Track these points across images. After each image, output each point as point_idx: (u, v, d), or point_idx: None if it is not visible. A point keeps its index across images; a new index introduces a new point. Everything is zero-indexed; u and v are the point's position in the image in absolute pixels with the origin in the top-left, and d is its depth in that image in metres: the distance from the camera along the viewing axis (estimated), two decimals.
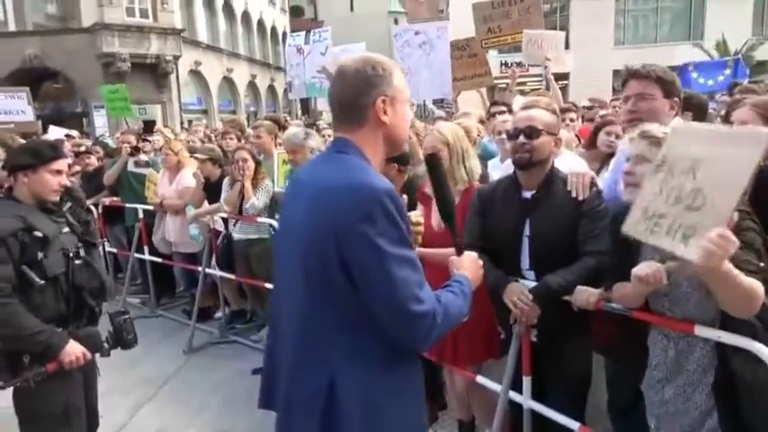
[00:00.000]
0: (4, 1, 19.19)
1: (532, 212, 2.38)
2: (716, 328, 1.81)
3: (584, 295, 2.17)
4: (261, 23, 31.46)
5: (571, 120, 4.77)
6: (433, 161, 1.77)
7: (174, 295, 6.31)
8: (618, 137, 3.32)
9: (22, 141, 4.78)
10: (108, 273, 5.67)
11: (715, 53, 20.30)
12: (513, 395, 2.55)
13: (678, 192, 1.57)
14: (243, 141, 5.91)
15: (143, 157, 6.12)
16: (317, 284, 1.44)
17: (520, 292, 2.33)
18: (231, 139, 6.07)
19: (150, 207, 5.61)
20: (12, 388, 2.38)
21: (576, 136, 4.39)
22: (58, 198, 2.53)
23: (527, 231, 2.38)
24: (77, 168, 6.59)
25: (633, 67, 2.35)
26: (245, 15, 29.54)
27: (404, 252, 1.39)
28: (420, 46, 6.25)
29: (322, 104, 10.67)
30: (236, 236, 4.82)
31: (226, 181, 4.89)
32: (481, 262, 1.74)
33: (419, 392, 1.61)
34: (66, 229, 2.52)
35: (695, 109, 3.51)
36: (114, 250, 6.47)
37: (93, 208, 5.62)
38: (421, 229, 1.84)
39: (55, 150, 2.55)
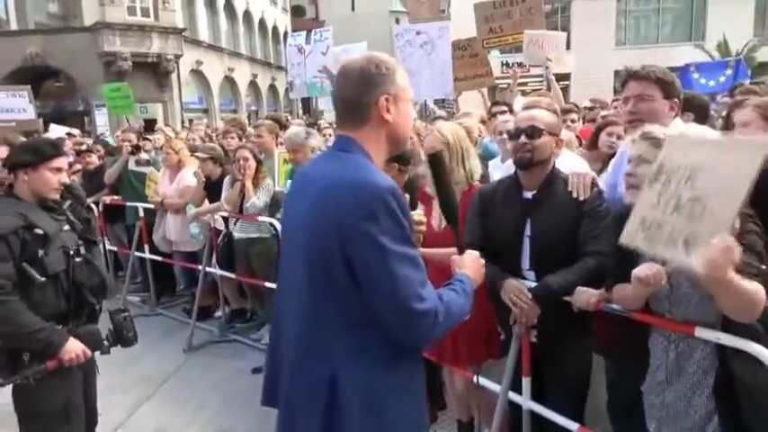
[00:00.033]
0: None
1: (533, 213, 2.38)
2: (717, 330, 1.80)
3: (585, 296, 2.17)
4: (262, 23, 31.46)
5: (572, 120, 4.77)
6: (435, 160, 1.77)
7: (175, 294, 6.31)
8: (619, 138, 3.32)
9: (24, 140, 4.78)
10: (108, 271, 5.66)
11: (716, 54, 20.28)
12: (513, 396, 2.55)
13: (676, 200, 1.56)
14: (244, 140, 5.91)
15: (144, 156, 6.13)
16: (320, 282, 1.44)
17: (518, 289, 2.32)
18: (232, 138, 6.07)
19: (151, 206, 5.61)
20: (11, 385, 2.38)
21: (577, 137, 4.39)
22: (58, 196, 2.53)
23: (528, 231, 2.37)
24: (78, 167, 6.61)
25: (633, 68, 2.35)
26: (247, 15, 29.55)
27: (406, 250, 1.40)
28: (421, 46, 6.25)
29: (323, 104, 10.69)
30: (237, 235, 4.83)
31: (226, 180, 4.90)
32: (483, 261, 1.74)
33: (421, 391, 1.61)
34: (66, 227, 2.52)
35: (697, 110, 3.50)
36: (115, 248, 6.47)
37: (93, 206, 5.63)
38: (423, 228, 1.85)
39: (55, 148, 2.56)
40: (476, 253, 1.75)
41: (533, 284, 2.33)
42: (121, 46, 19.64)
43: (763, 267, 1.68)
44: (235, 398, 3.98)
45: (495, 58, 12.33)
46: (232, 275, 4.96)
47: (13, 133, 6.48)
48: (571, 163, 2.72)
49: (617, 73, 19.98)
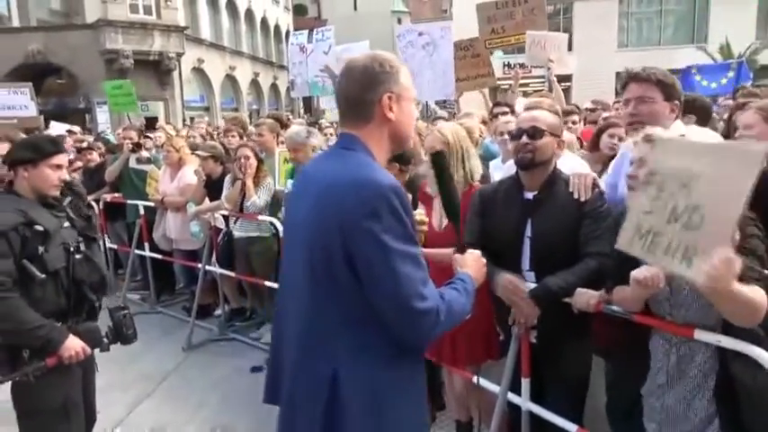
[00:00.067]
0: None
1: (534, 213, 2.37)
2: (717, 333, 1.80)
3: (585, 297, 2.16)
4: (264, 21, 31.47)
5: (573, 122, 4.77)
6: (438, 159, 1.78)
7: (174, 292, 6.31)
8: (621, 139, 3.31)
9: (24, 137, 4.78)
10: (108, 269, 5.66)
11: (718, 57, 20.26)
12: (512, 397, 2.54)
13: (672, 209, 1.56)
14: (245, 139, 5.91)
15: (145, 154, 6.13)
16: (322, 279, 1.44)
17: (512, 284, 2.30)
18: (233, 136, 6.07)
19: (151, 204, 5.61)
20: (10, 382, 2.38)
21: (578, 138, 4.38)
22: (58, 192, 2.53)
23: (528, 232, 2.37)
24: (79, 164, 6.61)
25: (633, 70, 2.34)
26: (249, 13, 29.56)
27: (408, 248, 1.40)
28: (423, 47, 6.25)
29: (324, 103, 10.69)
30: (237, 233, 4.83)
31: (227, 178, 4.90)
32: (484, 260, 1.75)
33: (422, 391, 1.61)
34: (66, 224, 2.52)
35: (698, 112, 3.50)
36: (115, 246, 6.47)
37: (93, 204, 5.63)
38: (425, 228, 1.85)
39: (55, 145, 2.55)
40: (478, 252, 1.76)
41: (533, 285, 2.33)
42: (123, 43, 19.65)
43: (766, 272, 1.67)
44: (234, 396, 3.98)
45: (497, 59, 12.33)
46: (232, 274, 4.96)
47: (14, 130, 6.48)
48: (572, 164, 2.72)
49: (618, 75, 19.95)
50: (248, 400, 3.84)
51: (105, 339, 2.54)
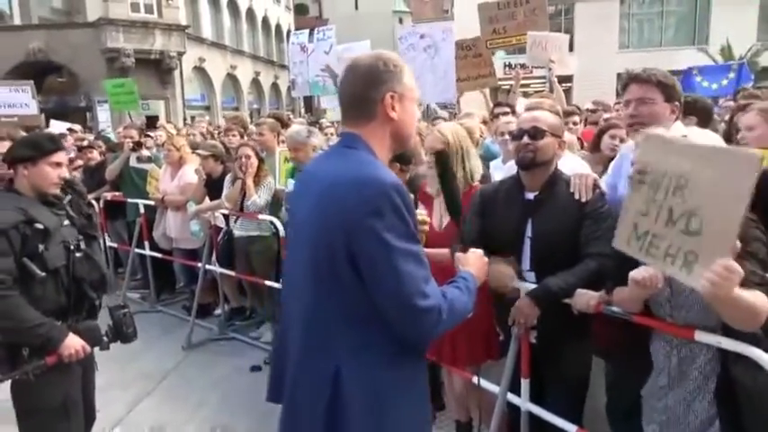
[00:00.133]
0: None
1: (535, 213, 2.37)
2: (718, 334, 1.79)
3: (585, 298, 2.16)
4: (265, 21, 31.47)
5: (574, 123, 4.77)
6: (441, 158, 1.78)
7: (174, 291, 6.31)
8: (622, 140, 3.31)
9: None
10: (108, 267, 5.66)
11: (719, 58, 20.26)
12: (512, 397, 2.54)
13: (668, 211, 1.55)
14: (245, 138, 5.91)
15: (145, 153, 6.12)
16: (325, 277, 1.45)
17: (502, 274, 2.27)
18: (234, 135, 6.08)
19: (151, 202, 5.61)
20: (10, 381, 2.38)
21: (579, 139, 4.38)
22: (58, 190, 2.53)
23: (529, 232, 2.37)
24: (80, 163, 6.61)
25: (634, 71, 2.34)
26: (250, 12, 29.56)
27: (411, 247, 1.40)
28: (425, 50, 6.27)
29: (325, 103, 10.68)
30: (237, 233, 4.82)
31: (228, 178, 4.89)
32: (486, 259, 1.75)
33: (424, 390, 1.61)
34: (66, 222, 2.52)
35: (700, 113, 3.50)
36: (115, 245, 6.47)
37: (94, 202, 5.63)
38: (426, 228, 1.85)
39: (54, 143, 2.55)
40: (480, 251, 1.77)
41: (533, 286, 2.33)
42: (124, 42, 19.66)
43: (767, 276, 1.66)
44: (234, 395, 3.98)
45: (499, 60, 12.32)
46: (232, 273, 4.96)
47: (15, 128, 6.49)
48: (572, 165, 2.72)
49: (619, 76, 19.94)
50: (248, 399, 3.84)
51: (105, 338, 2.54)
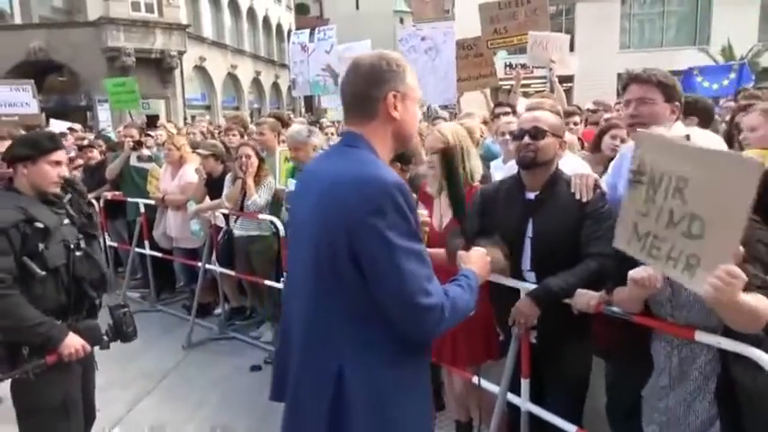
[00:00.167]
0: None
1: (536, 213, 2.37)
2: (719, 334, 1.79)
3: (585, 298, 2.16)
4: (266, 20, 31.47)
5: (575, 123, 4.77)
6: (447, 155, 1.78)
7: (174, 290, 6.31)
8: (623, 141, 3.31)
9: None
10: (108, 267, 5.67)
11: (720, 58, 20.25)
12: (512, 397, 2.54)
13: (669, 213, 1.55)
14: (246, 138, 5.91)
15: (145, 152, 6.12)
16: (326, 276, 1.45)
17: (492, 257, 2.26)
18: (234, 135, 6.07)
19: (152, 202, 5.61)
20: (10, 380, 2.38)
21: (579, 139, 4.38)
22: (58, 189, 2.53)
23: (529, 232, 2.37)
24: (80, 162, 6.61)
25: (634, 71, 2.34)
26: (251, 12, 29.56)
27: (413, 245, 1.40)
28: (426, 52, 6.27)
29: (326, 102, 10.68)
30: (237, 232, 4.82)
31: (228, 177, 4.89)
32: (489, 258, 1.75)
33: (427, 389, 1.61)
34: (66, 221, 2.52)
35: (701, 113, 3.49)
36: (115, 244, 6.47)
37: (94, 201, 5.63)
38: (427, 228, 1.86)
39: (53, 141, 2.55)
40: (482, 249, 1.77)
41: (533, 286, 2.33)
42: (125, 41, 19.67)
43: None
44: (234, 395, 3.98)
45: (500, 60, 12.31)
46: (232, 273, 4.95)
47: (16, 127, 6.50)
48: (573, 165, 2.72)
49: (620, 76, 19.92)
50: (248, 398, 3.84)
51: (105, 337, 2.54)
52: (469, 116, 5.00)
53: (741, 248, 1.49)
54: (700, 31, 23.98)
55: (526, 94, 7.02)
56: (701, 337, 1.81)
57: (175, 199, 5.38)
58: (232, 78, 27.26)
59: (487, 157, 3.84)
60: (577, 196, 2.33)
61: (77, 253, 2.47)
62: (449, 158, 1.77)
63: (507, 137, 3.27)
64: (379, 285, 1.40)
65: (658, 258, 1.59)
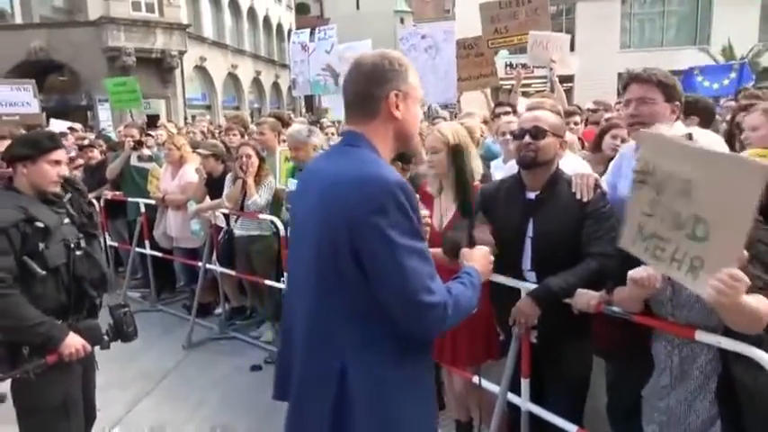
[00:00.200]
0: None
1: (536, 213, 2.37)
2: (719, 334, 1.79)
3: (585, 298, 2.16)
4: (267, 20, 31.47)
5: (575, 123, 4.76)
6: (457, 152, 1.78)
7: (175, 290, 6.31)
8: (624, 140, 3.31)
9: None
10: (109, 266, 5.67)
11: (721, 58, 20.23)
12: (512, 397, 2.54)
13: (674, 215, 1.54)
14: (246, 138, 5.91)
15: (146, 152, 6.12)
16: (328, 275, 1.45)
17: (480, 239, 2.20)
18: (234, 135, 6.07)
19: (152, 201, 5.61)
20: (10, 380, 2.38)
21: (580, 139, 4.38)
22: (58, 188, 2.53)
23: (530, 232, 2.37)
24: (80, 162, 6.61)
25: (634, 71, 2.34)
26: (251, 12, 29.56)
27: (415, 244, 1.40)
28: (426, 50, 6.26)
29: (326, 102, 10.67)
30: (238, 232, 4.82)
31: (228, 177, 4.89)
32: (491, 256, 1.75)
33: (430, 390, 1.61)
34: (66, 220, 2.52)
35: (701, 113, 3.49)
36: (115, 244, 6.47)
37: (94, 201, 5.63)
38: (427, 229, 1.85)
39: (53, 141, 2.54)
40: (485, 247, 1.76)
41: (533, 286, 2.33)
42: (126, 41, 19.67)
43: None
44: (234, 395, 3.98)
45: (501, 59, 12.30)
46: (232, 273, 4.95)
47: (17, 127, 6.50)
48: (573, 165, 2.72)
49: (621, 75, 19.91)
50: (248, 398, 3.84)
51: (106, 337, 2.54)
52: (470, 116, 5.00)
53: (745, 253, 1.49)
54: (700, 31, 23.97)
55: (526, 94, 7.02)
56: (702, 336, 1.81)
57: (176, 199, 5.38)
58: (232, 78, 27.26)
59: (488, 157, 3.84)
60: (578, 196, 2.33)
61: (78, 252, 2.47)
62: (458, 157, 1.77)
63: (508, 136, 3.27)
64: (381, 284, 1.39)
65: (662, 260, 1.59)
